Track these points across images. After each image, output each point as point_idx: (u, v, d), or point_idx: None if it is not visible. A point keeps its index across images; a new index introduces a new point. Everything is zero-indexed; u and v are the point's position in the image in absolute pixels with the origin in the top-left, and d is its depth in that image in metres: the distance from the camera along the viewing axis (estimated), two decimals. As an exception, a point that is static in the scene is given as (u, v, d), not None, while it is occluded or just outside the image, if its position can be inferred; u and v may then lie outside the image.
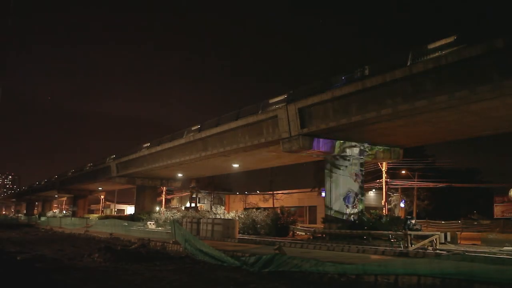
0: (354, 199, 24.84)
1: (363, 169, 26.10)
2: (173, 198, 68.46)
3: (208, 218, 27.82)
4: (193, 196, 56.55)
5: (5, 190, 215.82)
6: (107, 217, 51.54)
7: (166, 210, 45.80)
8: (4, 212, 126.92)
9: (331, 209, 24.42)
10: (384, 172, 34.20)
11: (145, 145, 40.56)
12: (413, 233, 18.62)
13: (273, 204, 43.65)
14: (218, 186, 59.93)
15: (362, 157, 25.30)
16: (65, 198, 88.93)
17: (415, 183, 38.80)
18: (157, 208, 51.13)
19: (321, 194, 38.48)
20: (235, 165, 36.38)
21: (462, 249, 17.95)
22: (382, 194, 34.81)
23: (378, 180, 36.59)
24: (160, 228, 33.99)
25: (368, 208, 29.03)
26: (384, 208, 34.01)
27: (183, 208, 54.69)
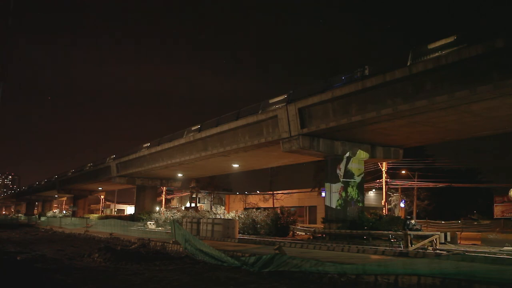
0: (354, 199, 24.85)
1: (363, 169, 26.09)
2: (173, 198, 68.47)
3: (208, 218, 27.81)
4: (193, 196, 56.60)
5: (5, 190, 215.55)
6: (107, 217, 51.54)
7: (166, 210, 45.80)
8: (4, 212, 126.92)
9: (331, 209, 24.42)
10: (384, 172, 34.21)
11: (145, 145, 40.57)
12: (413, 233, 18.61)
13: (273, 204, 43.64)
14: (218, 186, 59.89)
15: (362, 156, 25.31)
16: (65, 198, 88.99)
17: (415, 183, 38.78)
18: (157, 208, 51.14)
19: (321, 194, 38.49)
20: (235, 165, 36.38)
21: (462, 249, 17.97)
22: (382, 194, 34.82)
23: (378, 180, 36.58)
24: (160, 228, 33.99)
25: (368, 208, 29.02)
26: (384, 208, 34.01)
27: (183, 208, 54.71)
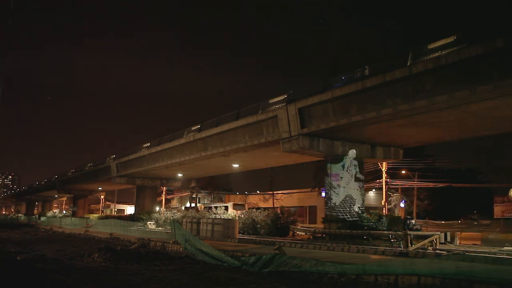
0: (354, 199, 24.85)
1: (363, 168, 26.09)
2: (173, 198, 68.43)
3: (208, 218, 27.81)
4: (193, 196, 56.59)
5: (5, 190, 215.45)
6: (107, 217, 51.54)
7: (166, 210, 45.75)
8: (4, 212, 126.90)
9: (331, 208, 24.42)
10: (384, 172, 34.20)
11: (145, 145, 40.58)
12: (413, 233, 18.63)
13: (273, 204, 43.63)
14: (218, 186, 59.94)
15: (362, 156, 25.31)
16: (65, 198, 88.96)
17: (415, 183, 38.78)
18: (157, 208, 51.11)
19: (321, 194, 38.44)
20: (235, 165, 36.39)
21: (462, 249, 17.98)
22: (382, 194, 34.81)
23: (378, 180, 36.57)
24: (160, 228, 34.00)
25: (368, 208, 28.98)
26: (384, 208, 34.00)
27: (183, 208, 54.68)
